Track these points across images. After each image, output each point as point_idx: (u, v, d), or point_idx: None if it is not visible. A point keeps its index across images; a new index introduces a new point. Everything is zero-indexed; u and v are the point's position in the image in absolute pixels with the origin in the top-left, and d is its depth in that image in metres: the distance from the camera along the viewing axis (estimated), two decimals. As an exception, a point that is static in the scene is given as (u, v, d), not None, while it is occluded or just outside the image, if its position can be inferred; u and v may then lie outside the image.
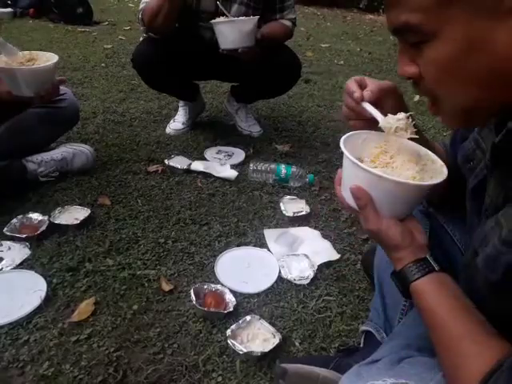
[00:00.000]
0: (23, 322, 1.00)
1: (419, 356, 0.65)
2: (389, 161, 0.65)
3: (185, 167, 1.71)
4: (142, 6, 1.70)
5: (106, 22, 4.46)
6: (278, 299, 1.12)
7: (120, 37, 3.84)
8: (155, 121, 2.20)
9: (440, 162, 0.65)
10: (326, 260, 1.23)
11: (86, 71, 2.86)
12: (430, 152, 0.67)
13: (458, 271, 0.93)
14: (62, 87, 1.66)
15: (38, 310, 1.03)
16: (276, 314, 1.07)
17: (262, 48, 1.71)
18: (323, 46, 4.27)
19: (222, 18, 1.64)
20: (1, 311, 1.02)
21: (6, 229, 1.26)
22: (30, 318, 1.01)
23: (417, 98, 2.80)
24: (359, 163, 0.61)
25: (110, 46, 3.48)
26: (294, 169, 1.65)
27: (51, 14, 4.33)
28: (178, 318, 1.05)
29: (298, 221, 1.44)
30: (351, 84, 0.70)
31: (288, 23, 1.87)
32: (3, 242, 1.22)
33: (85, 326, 1.01)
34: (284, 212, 1.45)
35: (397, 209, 0.63)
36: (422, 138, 0.74)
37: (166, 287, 1.13)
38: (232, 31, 1.61)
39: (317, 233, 1.37)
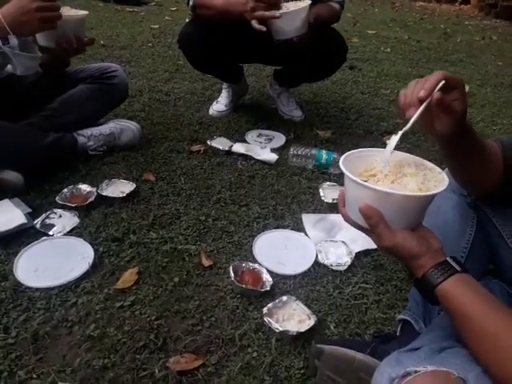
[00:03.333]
0: (72, 286, 1.06)
1: (460, 347, 0.64)
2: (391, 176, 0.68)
3: (226, 149, 1.73)
4: None
5: (154, 3, 4.52)
6: (313, 283, 1.13)
7: (166, 17, 3.90)
8: (199, 101, 2.23)
9: (438, 170, 0.69)
10: (364, 248, 1.22)
11: (134, 50, 2.92)
12: (424, 161, 0.71)
13: (502, 264, 0.91)
14: (113, 64, 1.73)
15: (85, 276, 1.09)
16: (312, 297, 1.08)
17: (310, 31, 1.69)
18: (370, 32, 4.16)
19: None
20: (52, 274, 1.08)
21: (57, 197, 1.33)
22: (78, 282, 1.07)
23: (466, 89, 2.68)
24: (364, 183, 0.62)
25: (156, 26, 3.54)
26: (335, 155, 1.63)
27: (101, -6, 4.43)
28: (216, 292, 1.08)
29: (336, 208, 1.42)
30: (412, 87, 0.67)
31: (336, 6, 1.82)
32: (55, 210, 1.29)
33: (128, 293, 1.06)
34: (323, 198, 1.45)
35: (408, 220, 0.65)
36: (474, 138, 0.73)
37: (206, 262, 1.16)
38: (287, 22, 1.55)
39: (356, 220, 1.36)
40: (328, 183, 1.53)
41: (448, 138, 0.70)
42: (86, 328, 0.96)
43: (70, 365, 0.89)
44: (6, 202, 1.27)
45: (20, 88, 1.59)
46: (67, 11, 1.33)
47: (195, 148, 1.76)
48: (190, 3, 1.70)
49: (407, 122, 0.66)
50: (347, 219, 0.70)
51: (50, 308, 1.00)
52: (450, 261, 0.63)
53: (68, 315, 0.99)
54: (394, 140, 0.67)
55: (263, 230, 1.30)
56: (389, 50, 3.60)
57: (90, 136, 1.58)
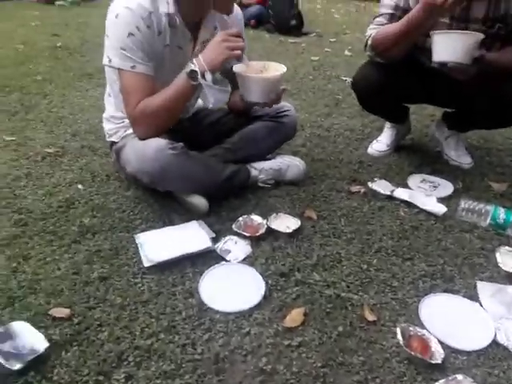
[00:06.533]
0: (246, 314, 1.15)
1: None
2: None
3: (388, 193, 1.71)
4: (370, 31, 1.73)
5: (314, 34, 4.70)
6: (491, 365, 1.03)
7: (326, 49, 4.01)
8: (357, 139, 2.24)
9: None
10: (556, 335, 1.08)
11: (296, 82, 3.08)
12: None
13: None
14: (287, 104, 1.84)
15: (257, 307, 1.17)
16: (489, 382, 0.99)
17: (485, 72, 1.57)
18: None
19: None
20: (230, 299, 1.19)
21: (234, 225, 1.47)
22: (251, 311, 1.16)
23: None
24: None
25: (316, 58, 3.67)
26: (516, 217, 1.47)
27: (268, 25, 4.79)
28: (381, 352, 1.06)
29: (517, 279, 1.29)
30: None
31: None
32: (232, 237, 1.42)
33: (295, 333, 1.11)
34: (500, 265, 1.32)
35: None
36: None
37: (369, 317, 1.15)
38: (445, 42, 1.51)
39: (543, 299, 1.20)
40: (507, 248, 1.39)
41: None
42: (258, 360, 1.03)
43: (245, 393, 0.96)
44: (194, 224, 1.45)
45: (206, 122, 1.82)
46: (273, 67, 1.54)
47: (355, 189, 1.77)
48: (369, 42, 1.73)
49: None
50: None
51: (228, 332, 1.10)
52: None
53: (243, 343, 1.07)
54: None
55: (430, 291, 1.24)
56: None
57: (261, 169, 1.71)
